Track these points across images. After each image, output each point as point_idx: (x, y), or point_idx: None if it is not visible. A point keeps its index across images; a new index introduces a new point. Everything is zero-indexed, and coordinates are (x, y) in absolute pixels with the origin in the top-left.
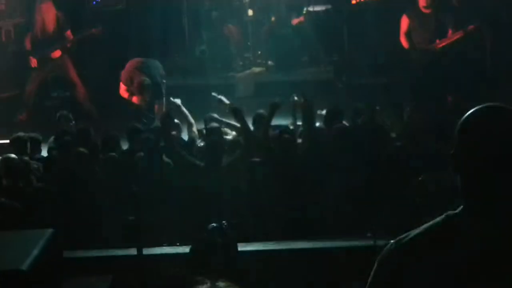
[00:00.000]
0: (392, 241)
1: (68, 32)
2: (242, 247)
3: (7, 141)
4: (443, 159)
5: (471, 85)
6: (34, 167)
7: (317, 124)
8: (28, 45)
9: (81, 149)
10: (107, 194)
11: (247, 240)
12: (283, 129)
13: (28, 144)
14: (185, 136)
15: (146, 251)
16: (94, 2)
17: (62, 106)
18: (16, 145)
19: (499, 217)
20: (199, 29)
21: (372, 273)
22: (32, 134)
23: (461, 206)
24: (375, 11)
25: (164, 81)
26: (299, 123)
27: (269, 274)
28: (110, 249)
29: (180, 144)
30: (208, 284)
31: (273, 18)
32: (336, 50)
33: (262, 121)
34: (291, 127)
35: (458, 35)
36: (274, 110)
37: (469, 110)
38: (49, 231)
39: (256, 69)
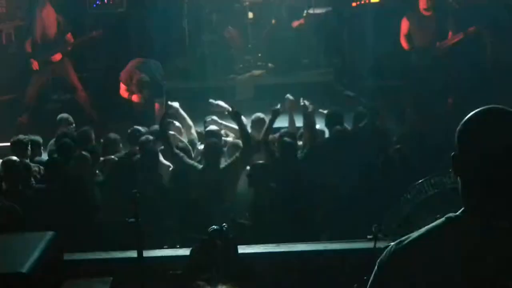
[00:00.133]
0: (392, 243)
1: (69, 35)
2: (242, 249)
3: (8, 143)
4: (444, 162)
5: (471, 86)
6: (35, 169)
7: (318, 125)
8: (28, 48)
9: (82, 152)
10: (107, 196)
11: (247, 242)
12: (283, 132)
13: (29, 147)
14: (184, 139)
15: (146, 253)
16: (95, 5)
17: (62, 109)
18: (17, 147)
19: (500, 219)
20: (199, 32)
21: (372, 275)
22: (33, 137)
23: (462, 208)
24: (376, 14)
25: (165, 82)
26: (299, 125)
27: (269, 277)
28: (110, 251)
29: (179, 147)
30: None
31: (273, 21)
32: (336, 52)
33: (260, 124)
34: (289, 128)
35: (458, 37)
36: (275, 116)
37: (470, 112)
38: (50, 233)
39: (257, 72)
